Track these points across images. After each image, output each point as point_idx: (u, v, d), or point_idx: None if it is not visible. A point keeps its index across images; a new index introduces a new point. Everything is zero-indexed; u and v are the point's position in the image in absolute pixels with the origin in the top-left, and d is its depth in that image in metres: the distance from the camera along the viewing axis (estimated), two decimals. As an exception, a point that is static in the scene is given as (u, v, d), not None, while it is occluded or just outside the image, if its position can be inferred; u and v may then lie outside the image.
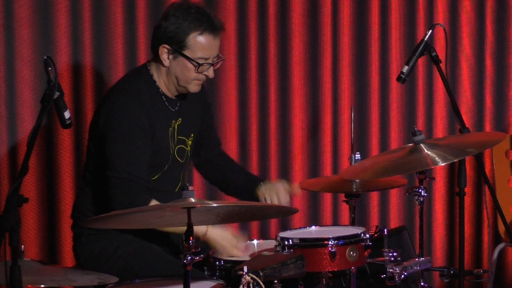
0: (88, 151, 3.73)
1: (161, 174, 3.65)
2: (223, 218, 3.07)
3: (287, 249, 3.22)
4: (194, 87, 3.66)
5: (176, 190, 3.71)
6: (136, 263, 3.57)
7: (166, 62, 3.62)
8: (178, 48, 3.58)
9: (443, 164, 3.39)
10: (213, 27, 3.59)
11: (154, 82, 3.66)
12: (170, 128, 3.68)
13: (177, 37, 3.57)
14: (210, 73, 3.64)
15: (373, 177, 3.85)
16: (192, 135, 3.79)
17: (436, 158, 3.34)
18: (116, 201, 3.46)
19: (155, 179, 3.64)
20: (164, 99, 3.67)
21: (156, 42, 3.62)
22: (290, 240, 3.24)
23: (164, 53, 3.60)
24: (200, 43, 3.58)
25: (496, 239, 5.08)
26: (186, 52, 3.58)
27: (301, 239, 3.25)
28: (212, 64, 3.62)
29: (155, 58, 3.65)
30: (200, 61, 3.59)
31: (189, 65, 3.59)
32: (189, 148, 3.79)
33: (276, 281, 3.09)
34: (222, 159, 4.05)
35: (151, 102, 3.62)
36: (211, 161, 4.01)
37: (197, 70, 3.60)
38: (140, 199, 3.45)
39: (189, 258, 2.83)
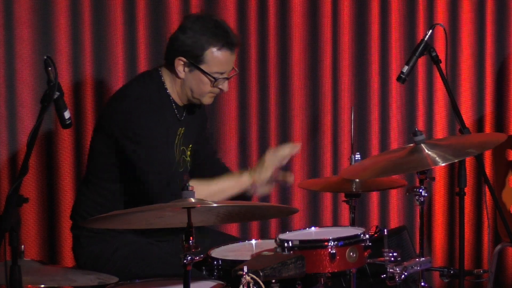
0: (92, 153, 3.70)
1: None
2: (223, 218, 3.07)
3: (287, 251, 3.22)
4: (208, 100, 3.69)
5: None
6: (135, 264, 3.57)
7: (182, 74, 3.63)
8: (194, 62, 3.59)
9: (443, 164, 3.39)
10: (230, 43, 3.61)
11: (166, 89, 3.66)
12: (177, 136, 3.69)
13: (194, 51, 3.58)
14: (225, 86, 3.66)
15: (373, 176, 3.85)
16: (190, 146, 3.79)
17: (437, 158, 3.34)
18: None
19: None
20: (174, 106, 3.68)
21: (172, 53, 3.62)
22: (290, 242, 3.23)
23: (180, 65, 3.61)
24: (218, 58, 3.59)
25: (496, 239, 5.08)
26: (203, 66, 3.59)
27: (301, 241, 3.25)
28: (227, 78, 3.64)
29: (169, 67, 3.65)
30: (216, 76, 3.60)
31: (205, 79, 3.61)
32: (188, 159, 3.78)
33: (274, 281, 3.08)
34: (216, 167, 4.03)
35: (162, 108, 3.63)
36: (205, 170, 3.97)
37: (213, 85, 3.61)
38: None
39: (189, 258, 2.83)
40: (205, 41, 3.57)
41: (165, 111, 3.63)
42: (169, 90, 3.67)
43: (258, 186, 3.70)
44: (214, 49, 3.58)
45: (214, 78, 3.60)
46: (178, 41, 3.60)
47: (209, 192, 3.60)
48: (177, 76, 3.63)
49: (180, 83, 3.65)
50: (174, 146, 3.67)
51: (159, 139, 3.56)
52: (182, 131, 3.71)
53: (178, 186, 3.46)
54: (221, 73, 3.61)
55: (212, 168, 3.98)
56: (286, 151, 3.75)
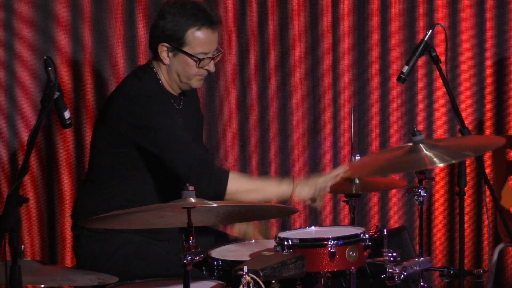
0: (94, 152, 3.70)
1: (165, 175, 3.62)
2: (223, 218, 3.08)
3: (287, 249, 3.22)
4: (196, 83, 3.68)
5: None
6: (135, 263, 3.56)
7: (167, 60, 3.63)
8: (177, 45, 3.59)
9: (440, 165, 3.39)
10: (210, 21, 3.61)
11: (159, 79, 3.67)
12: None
13: (175, 34, 3.58)
14: (211, 67, 3.66)
15: (371, 175, 3.85)
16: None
17: (434, 159, 3.34)
18: (203, 186, 3.46)
19: (163, 179, 3.63)
20: (169, 96, 3.69)
21: (154, 41, 3.63)
22: (290, 240, 3.23)
23: (163, 51, 3.61)
24: (199, 38, 3.59)
25: (496, 239, 5.08)
26: (186, 49, 3.59)
27: (301, 239, 3.25)
28: (212, 58, 3.64)
29: (155, 57, 3.66)
30: (201, 56, 3.60)
31: (190, 61, 3.61)
32: None
33: (274, 281, 3.09)
34: None
35: (161, 99, 3.63)
36: None
37: (198, 66, 3.61)
38: (218, 173, 3.50)
39: (189, 258, 2.83)
40: (185, 22, 3.57)
41: (164, 102, 3.63)
42: (162, 80, 3.68)
43: (295, 200, 3.63)
44: (195, 29, 3.58)
45: (198, 58, 3.59)
46: (158, 27, 3.61)
47: (250, 186, 3.59)
48: (162, 63, 3.64)
49: (166, 70, 3.65)
50: None
51: (171, 123, 3.56)
52: (181, 121, 3.71)
53: (210, 166, 3.50)
54: (205, 53, 3.61)
55: None
56: (337, 173, 3.65)
